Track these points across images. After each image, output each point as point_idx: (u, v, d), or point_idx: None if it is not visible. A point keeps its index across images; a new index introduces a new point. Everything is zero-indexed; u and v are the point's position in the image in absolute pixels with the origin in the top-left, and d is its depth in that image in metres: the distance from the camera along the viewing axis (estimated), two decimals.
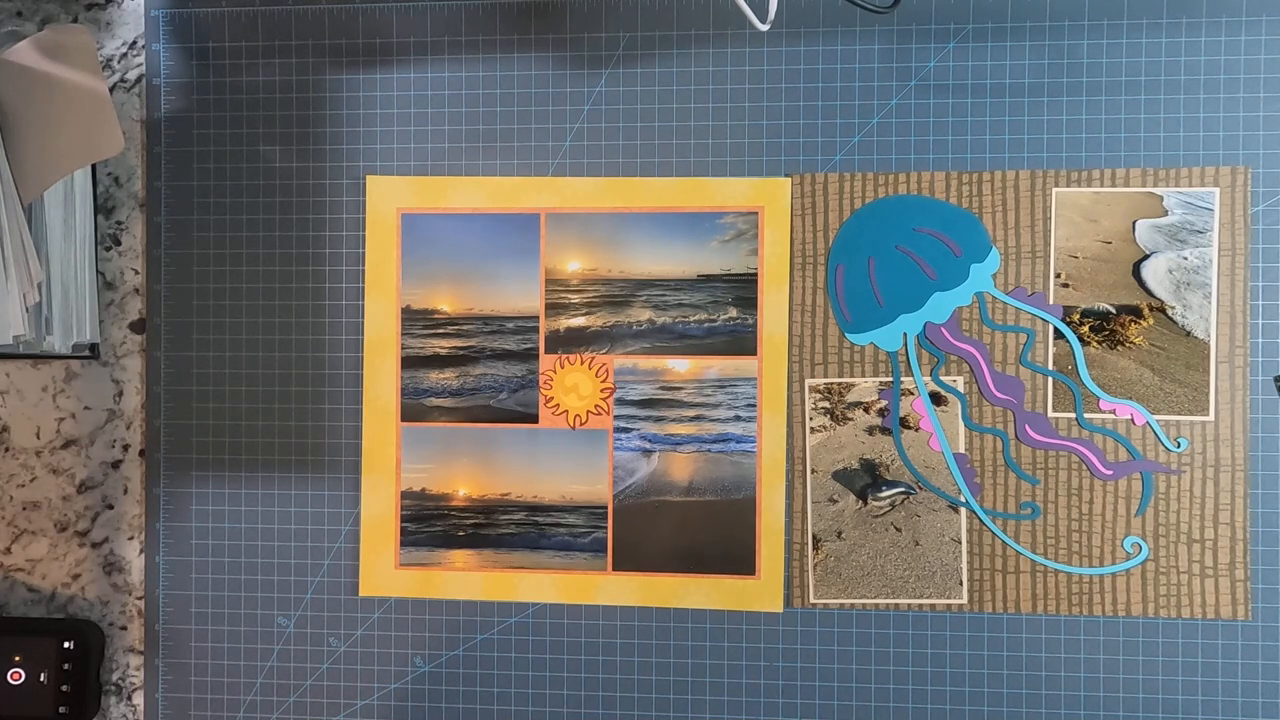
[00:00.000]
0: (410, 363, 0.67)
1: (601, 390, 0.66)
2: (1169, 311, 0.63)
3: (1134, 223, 0.63)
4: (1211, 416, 0.63)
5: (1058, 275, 0.63)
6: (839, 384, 0.65)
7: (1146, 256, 0.63)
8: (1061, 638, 0.64)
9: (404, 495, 0.68)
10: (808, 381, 0.65)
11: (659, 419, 0.66)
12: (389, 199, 0.67)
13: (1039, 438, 0.64)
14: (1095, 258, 0.63)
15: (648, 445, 0.66)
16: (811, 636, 0.65)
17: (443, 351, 0.67)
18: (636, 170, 0.66)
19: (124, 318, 0.69)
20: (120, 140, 0.60)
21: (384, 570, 0.68)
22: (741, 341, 0.65)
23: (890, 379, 0.65)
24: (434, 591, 0.67)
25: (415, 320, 0.67)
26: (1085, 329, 0.63)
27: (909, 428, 0.65)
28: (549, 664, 0.67)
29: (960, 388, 0.64)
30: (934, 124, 0.64)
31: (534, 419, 0.67)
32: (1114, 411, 0.63)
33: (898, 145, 0.64)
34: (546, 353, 0.66)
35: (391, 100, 0.67)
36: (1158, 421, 0.63)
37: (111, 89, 0.68)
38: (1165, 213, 0.63)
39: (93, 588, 0.70)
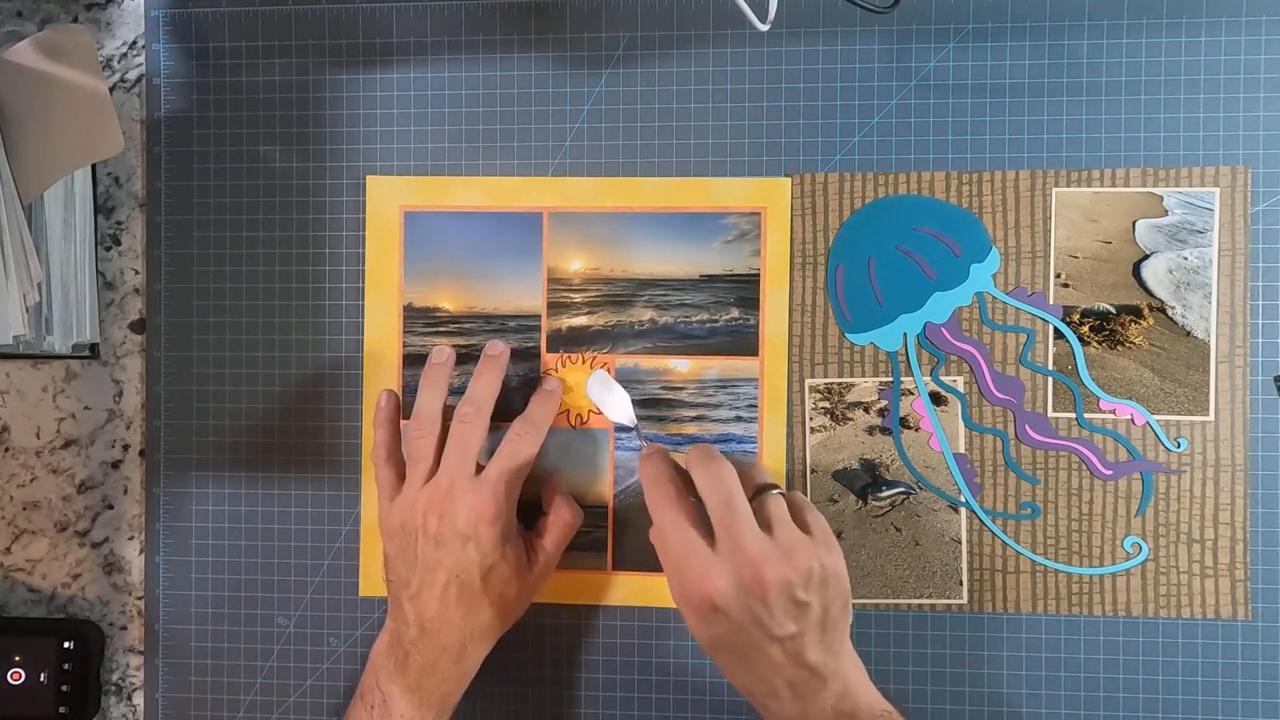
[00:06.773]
0: (411, 362, 0.67)
1: None
2: (1169, 311, 0.63)
3: (1134, 223, 0.63)
4: (1211, 416, 0.63)
5: (1058, 275, 0.64)
6: (839, 384, 0.65)
7: (1146, 256, 0.63)
8: (1061, 638, 0.64)
9: None
10: (808, 381, 0.65)
11: (660, 419, 0.66)
12: (390, 199, 0.67)
13: (1039, 438, 0.64)
14: (1095, 258, 0.63)
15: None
16: None
17: None
18: (636, 170, 0.66)
19: (124, 318, 0.69)
20: (120, 140, 0.60)
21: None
22: (743, 342, 0.65)
23: (890, 379, 0.65)
24: None
25: (417, 319, 0.67)
26: (1085, 329, 0.63)
27: (909, 428, 0.65)
28: (549, 664, 0.67)
29: (960, 388, 0.64)
30: (934, 124, 0.64)
31: None
32: (1114, 411, 0.63)
33: (898, 145, 0.64)
34: (548, 352, 0.66)
35: (391, 100, 0.67)
36: (1158, 421, 0.63)
37: (111, 89, 0.68)
38: (1165, 213, 0.63)
39: (93, 588, 0.70)
